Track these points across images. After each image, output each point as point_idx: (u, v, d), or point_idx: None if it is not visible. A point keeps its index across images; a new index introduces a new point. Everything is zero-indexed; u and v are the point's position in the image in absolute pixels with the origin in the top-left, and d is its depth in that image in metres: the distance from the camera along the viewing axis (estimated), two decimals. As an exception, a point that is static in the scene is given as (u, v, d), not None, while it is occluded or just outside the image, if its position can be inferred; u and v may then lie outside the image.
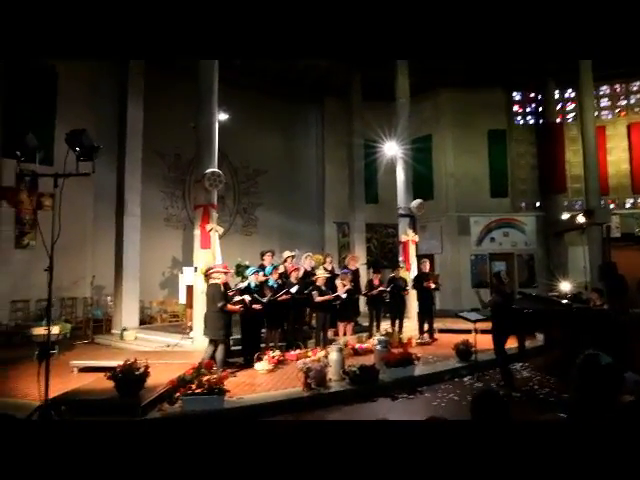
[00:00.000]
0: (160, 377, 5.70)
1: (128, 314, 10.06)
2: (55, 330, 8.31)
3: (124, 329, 9.54)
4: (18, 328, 9.86)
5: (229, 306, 6.72)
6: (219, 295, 6.71)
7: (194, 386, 5.10)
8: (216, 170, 8.75)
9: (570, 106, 15.65)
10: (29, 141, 4.14)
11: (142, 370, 5.03)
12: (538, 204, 15.81)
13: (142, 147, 11.02)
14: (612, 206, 15.08)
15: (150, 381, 5.30)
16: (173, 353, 8.09)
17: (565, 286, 9.89)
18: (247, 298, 6.96)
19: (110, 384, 5.00)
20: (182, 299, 10.04)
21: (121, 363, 5.17)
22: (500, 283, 6.98)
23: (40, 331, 7.84)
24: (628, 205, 15.38)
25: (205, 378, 5.24)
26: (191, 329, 8.73)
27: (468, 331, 9.92)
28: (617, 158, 15.22)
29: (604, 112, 15.45)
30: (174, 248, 13.44)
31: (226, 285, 7.26)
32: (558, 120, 15.57)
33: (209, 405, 5.02)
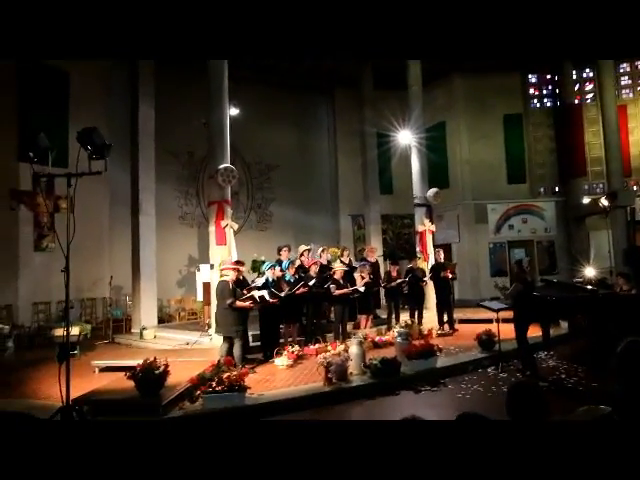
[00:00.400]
0: (180, 375, 5.68)
1: (147, 313, 10.11)
2: (75, 331, 8.39)
3: (143, 328, 9.59)
4: (40, 330, 10.00)
5: (238, 302, 6.67)
6: (227, 292, 6.68)
7: (214, 383, 5.05)
8: (229, 165, 8.70)
9: (588, 86, 15.19)
10: (40, 141, 4.11)
11: (162, 369, 5.00)
12: (557, 189, 15.43)
13: (155, 146, 11.02)
14: (635, 188, 14.64)
15: (170, 380, 5.28)
16: (192, 351, 8.09)
17: (590, 271, 9.62)
18: (257, 294, 6.89)
19: (131, 384, 4.99)
20: (199, 296, 10.05)
21: (141, 362, 5.15)
22: (522, 271, 6.79)
23: (61, 332, 7.90)
24: (652, 186, 14.92)
25: (225, 375, 5.19)
26: (209, 326, 8.72)
27: (489, 321, 9.74)
28: (638, 138, 14.74)
29: (625, 91, 14.97)
30: (190, 246, 13.49)
31: (241, 281, 7.22)
32: (576, 101, 15.14)
33: (230, 402, 4.97)
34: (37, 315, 10.55)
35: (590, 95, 15.19)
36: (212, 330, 8.47)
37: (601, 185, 14.95)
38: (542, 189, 15.58)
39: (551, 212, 15.15)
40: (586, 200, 14.58)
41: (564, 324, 9.40)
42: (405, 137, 12.30)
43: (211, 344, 8.20)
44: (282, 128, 15.11)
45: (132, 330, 10.30)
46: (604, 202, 11.30)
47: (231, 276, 6.87)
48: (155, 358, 5.21)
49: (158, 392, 4.93)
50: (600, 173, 14.93)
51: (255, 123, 13.85)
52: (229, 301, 6.61)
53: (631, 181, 14.61)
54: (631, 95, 14.99)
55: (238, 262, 7.76)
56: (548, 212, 15.17)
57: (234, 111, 9.90)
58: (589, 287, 8.47)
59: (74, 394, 5.17)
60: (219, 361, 5.72)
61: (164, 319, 11.71)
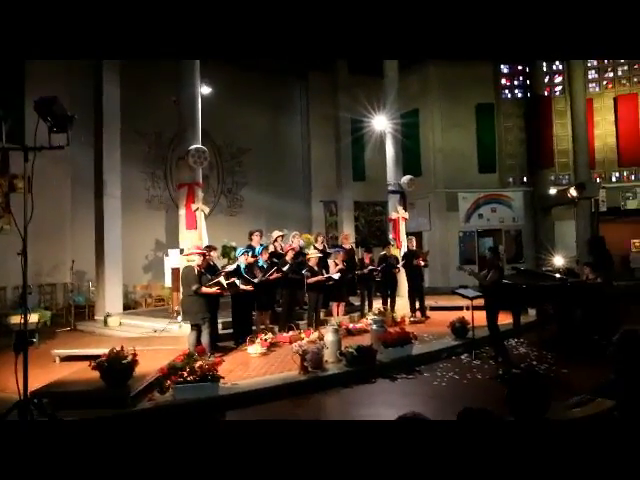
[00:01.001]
0: (148, 365, 5.41)
1: (111, 299, 9.67)
2: (33, 318, 7.92)
3: (108, 315, 9.17)
4: (-5, 317, 9.41)
5: (204, 289, 6.41)
6: (192, 278, 6.42)
7: (186, 373, 4.82)
8: (200, 146, 8.35)
9: (558, 78, 15.44)
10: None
11: (130, 358, 4.73)
12: (525, 179, 15.73)
13: (121, 126, 10.45)
14: (598, 180, 15.09)
15: (138, 369, 5.00)
16: (161, 339, 7.79)
17: (558, 260, 9.83)
18: (223, 280, 6.65)
19: (96, 374, 4.69)
20: (168, 282, 9.69)
21: (106, 351, 4.86)
22: (497, 258, 6.80)
23: (18, 319, 7.41)
24: (614, 179, 15.42)
25: (197, 364, 4.97)
26: (178, 313, 8.41)
27: (459, 308, 9.88)
28: (603, 131, 15.16)
29: (591, 85, 15.31)
30: (157, 230, 13.00)
31: (211, 267, 6.96)
32: (546, 93, 15.40)
33: (203, 393, 4.77)
34: (-8, 301, 9.94)
35: (559, 88, 15.46)
36: (181, 317, 8.18)
37: (567, 177, 15.32)
38: (511, 179, 15.84)
39: (519, 202, 15.44)
40: (553, 191, 14.94)
41: (532, 311, 9.60)
42: (380, 123, 12.18)
43: (180, 332, 7.91)
44: (254, 111, 14.67)
45: (95, 317, 9.84)
46: (573, 193, 11.58)
47: (197, 261, 6.60)
48: (122, 347, 4.93)
49: (126, 383, 4.66)
50: (566, 165, 15.28)
51: (226, 104, 13.39)
52: (194, 287, 6.35)
53: (595, 174, 15.05)
54: (597, 89, 15.35)
55: (209, 247, 7.48)
56: (516, 202, 15.46)
57: (206, 90, 9.44)
58: (558, 276, 8.65)
59: (33, 386, 4.84)
60: (190, 350, 5.47)
61: (130, 306, 11.27)
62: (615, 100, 15.04)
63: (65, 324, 9.83)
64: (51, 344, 7.72)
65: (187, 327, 7.37)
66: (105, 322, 9.10)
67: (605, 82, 15.32)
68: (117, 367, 4.61)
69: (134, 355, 4.79)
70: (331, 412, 5.11)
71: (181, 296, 6.87)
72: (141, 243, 12.43)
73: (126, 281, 10.93)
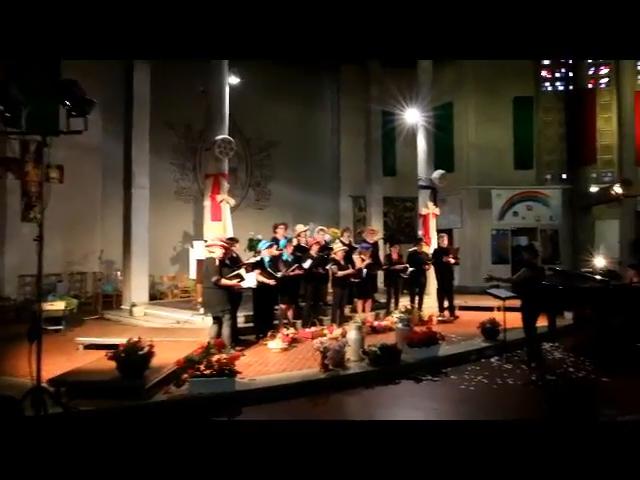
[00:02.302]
0: (168, 356, 5.35)
1: (137, 289, 9.73)
2: (60, 305, 8.02)
3: (133, 305, 9.24)
4: (26, 303, 9.63)
5: (223, 281, 6.29)
6: (213, 269, 6.31)
7: (203, 367, 4.71)
8: (227, 137, 8.24)
9: (604, 70, 14.58)
10: (11, 90, 3.63)
11: (146, 349, 4.65)
12: (564, 176, 14.98)
13: (150, 118, 10.47)
14: (644, 178, 14.20)
15: (157, 360, 4.93)
16: (183, 330, 7.76)
17: (599, 262, 9.26)
18: (244, 273, 6.51)
19: (113, 364, 4.64)
20: (192, 274, 9.69)
21: (125, 341, 4.80)
22: (533, 256, 6.40)
23: (46, 307, 7.54)
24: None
25: (215, 358, 4.85)
26: (201, 305, 8.38)
27: (490, 309, 9.48)
28: (653, 126, 14.24)
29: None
30: (185, 222, 13.07)
31: (234, 259, 6.84)
32: (590, 86, 14.57)
33: (219, 388, 4.64)
34: (24, 288, 10.18)
35: (605, 80, 14.58)
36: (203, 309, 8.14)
37: (610, 174, 14.46)
38: (549, 176, 15.11)
39: (557, 200, 14.72)
40: (594, 189, 14.17)
41: (568, 315, 9.11)
42: (412, 116, 11.81)
43: (203, 324, 7.85)
44: (284, 103, 14.50)
45: (122, 306, 9.95)
46: (617, 190, 10.90)
47: (218, 253, 6.48)
48: (140, 338, 4.86)
49: (141, 374, 4.58)
50: (609, 162, 14.43)
51: (256, 96, 13.28)
52: (214, 279, 6.24)
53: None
54: (646, 81, 14.42)
55: (231, 239, 7.37)
56: (554, 200, 14.74)
57: (234, 79, 9.28)
58: (599, 277, 8.13)
59: (54, 372, 4.85)
60: (209, 343, 5.36)
61: (156, 296, 11.35)
62: (665, 93, 14.10)
63: (93, 312, 9.98)
64: (77, 331, 7.82)
65: (210, 319, 7.32)
66: (130, 312, 9.18)
67: (655, 74, 14.37)
68: (133, 358, 4.54)
69: (151, 347, 4.71)
70: (351, 413, 4.90)
71: (203, 288, 6.79)
72: (169, 234, 12.51)
73: (153, 272, 11.01)
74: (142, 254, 9.94)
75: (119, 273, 10.94)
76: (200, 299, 8.58)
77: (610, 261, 10.70)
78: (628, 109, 12.98)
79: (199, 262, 8.85)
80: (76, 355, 6.36)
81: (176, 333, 7.38)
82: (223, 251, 6.56)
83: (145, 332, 6.82)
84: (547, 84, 15.05)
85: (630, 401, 2.92)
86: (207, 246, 6.87)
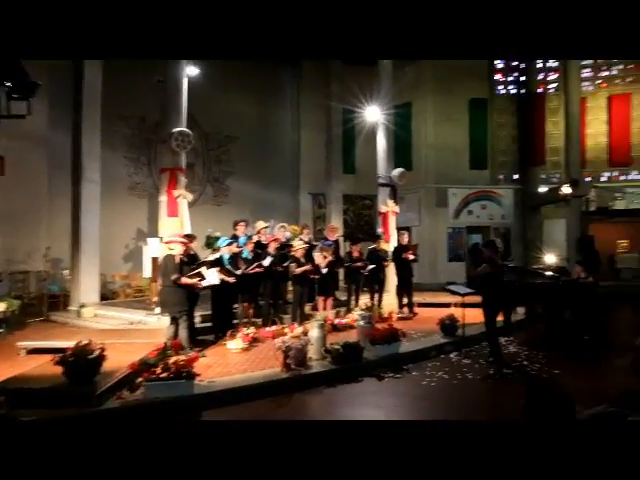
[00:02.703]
0: (121, 359, 5.06)
1: (87, 289, 9.21)
2: (1, 307, 7.46)
3: (82, 305, 8.73)
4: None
5: (183, 279, 6.04)
6: (172, 267, 6.05)
7: (159, 370, 4.47)
8: (184, 129, 7.93)
9: (553, 76, 15.25)
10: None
11: (97, 353, 4.36)
12: (516, 177, 15.57)
13: (102, 107, 9.93)
14: (589, 179, 14.99)
15: (108, 364, 4.66)
16: (137, 331, 7.41)
17: (549, 259, 9.66)
18: (204, 271, 6.28)
19: (60, 369, 4.32)
20: (146, 272, 9.29)
21: (73, 344, 4.49)
22: (494, 253, 6.54)
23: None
24: (604, 179, 15.35)
25: (172, 360, 4.62)
26: (156, 305, 8.03)
27: (447, 305, 9.66)
28: (595, 131, 15.06)
29: (585, 83, 15.15)
30: (139, 218, 12.52)
31: (192, 257, 6.59)
32: (540, 90, 15.21)
33: (176, 391, 4.42)
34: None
35: (553, 85, 15.26)
36: (159, 309, 7.81)
37: (557, 175, 15.18)
38: (502, 176, 15.66)
39: (509, 199, 15.28)
40: (543, 189, 14.80)
41: (520, 310, 9.44)
42: (372, 114, 11.86)
43: (158, 324, 7.53)
44: (244, 98, 14.19)
45: (70, 307, 9.40)
46: (566, 190, 11.41)
47: (178, 250, 6.21)
48: (90, 340, 4.55)
49: (92, 379, 4.30)
50: (557, 163, 15.14)
51: (215, 90, 12.92)
52: (174, 277, 5.98)
53: (584, 173, 14.92)
54: (591, 88, 15.22)
55: (189, 236, 7.09)
56: (506, 199, 15.29)
57: (193, 70, 8.93)
58: (550, 274, 8.47)
59: (-9, 380, 4.47)
60: (165, 344, 5.12)
61: (108, 296, 10.81)
62: (609, 99, 14.93)
63: (37, 314, 9.37)
64: (19, 335, 7.31)
65: (166, 320, 7.02)
66: (79, 313, 8.66)
67: (599, 81, 15.19)
68: (82, 363, 4.24)
69: (102, 350, 4.43)
70: (314, 412, 4.82)
71: (159, 286, 6.50)
72: (122, 231, 11.97)
73: (105, 270, 10.48)
74: (92, 252, 9.42)
75: (67, 272, 10.34)
76: (155, 298, 8.23)
77: (558, 258, 11.19)
78: (575, 113, 13.63)
79: (154, 260, 8.50)
80: (18, 360, 5.91)
81: (129, 335, 7.03)
82: (183, 248, 6.29)
83: (96, 334, 6.45)
84: (500, 87, 15.57)
85: (586, 394, 3.01)
86: (166, 243, 6.56)
